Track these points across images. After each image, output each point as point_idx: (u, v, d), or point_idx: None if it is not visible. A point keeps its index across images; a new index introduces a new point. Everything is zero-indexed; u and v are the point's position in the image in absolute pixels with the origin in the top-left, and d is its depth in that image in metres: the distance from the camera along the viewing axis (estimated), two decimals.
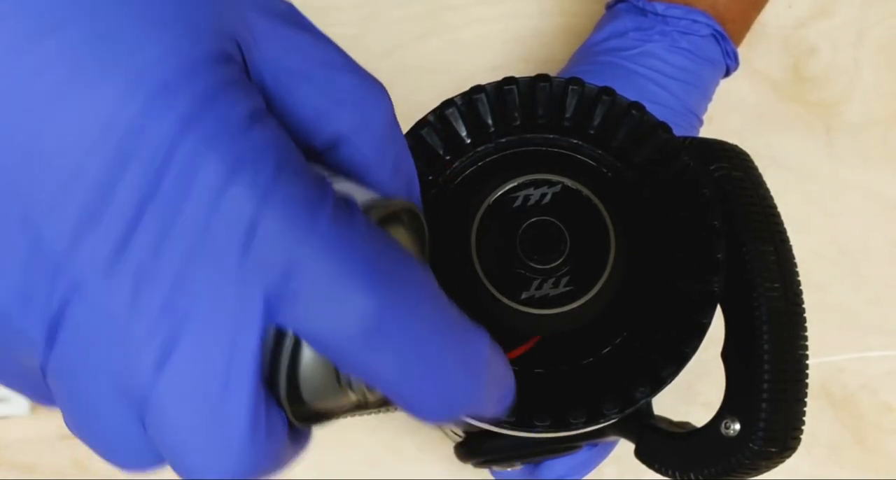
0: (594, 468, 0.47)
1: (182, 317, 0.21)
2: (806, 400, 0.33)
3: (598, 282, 0.31)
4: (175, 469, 0.24)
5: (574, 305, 0.31)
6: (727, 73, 0.53)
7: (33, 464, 0.55)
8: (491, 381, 0.25)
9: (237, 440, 0.23)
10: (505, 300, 0.31)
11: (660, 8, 0.50)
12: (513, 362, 0.32)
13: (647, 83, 0.49)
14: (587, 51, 0.52)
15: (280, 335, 0.23)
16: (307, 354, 0.24)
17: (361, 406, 0.28)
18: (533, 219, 0.31)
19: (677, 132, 0.34)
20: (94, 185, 0.20)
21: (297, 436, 0.27)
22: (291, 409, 0.25)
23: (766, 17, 0.58)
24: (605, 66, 0.50)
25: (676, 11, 0.50)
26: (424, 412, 0.24)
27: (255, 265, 0.21)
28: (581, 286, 0.31)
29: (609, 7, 0.53)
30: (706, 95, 0.52)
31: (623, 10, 0.51)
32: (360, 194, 0.25)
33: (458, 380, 0.24)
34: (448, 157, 0.33)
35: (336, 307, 0.22)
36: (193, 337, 0.22)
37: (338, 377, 0.26)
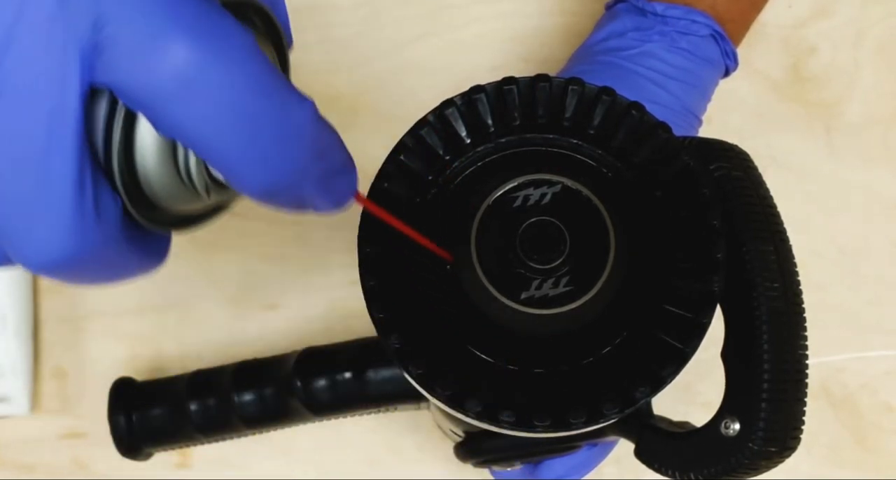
0: (594, 468, 0.47)
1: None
2: (806, 399, 0.33)
3: (598, 282, 0.31)
4: (9, 252, 0.24)
5: (574, 305, 0.31)
6: (726, 74, 0.53)
7: (33, 464, 0.55)
8: (319, 155, 0.26)
9: (61, 209, 0.23)
10: (505, 300, 0.31)
11: (659, 8, 0.50)
12: (512, 361, 0.32)
13: (646, 83, 0.49)
14: (586, 51, 0.52)
15: (111, 116, 0.24)
16: (142, 135, 0.25)
17: (209, 210, 0.29)
18: (533, 219, 0.31)
19: (677, 132, 0.34)
20: None
21: (149, 242, 0.27)
22: (130, 199, 0.25)
23: (766, 16, 0.58)
24: (605, 65, 0.50)
25: (676, 12, 0.50)
26: (246, 178, 0.25)
27: (68, 15, 0.22)
28: (581, 286, 0.31)
29: (608, 7, 0.53)
30: (705, 95, 0.52)
31: (622, 10, 0.51)
32: None
33: (278, 143, 0.24)
34: (448, 157, 0.33)
35: (149, 56, 0.22)
36: (11, 96, 0.22)
37: (176, 163, 0.26)
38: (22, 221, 0.24)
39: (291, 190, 0.26)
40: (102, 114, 0.24)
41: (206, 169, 0.27)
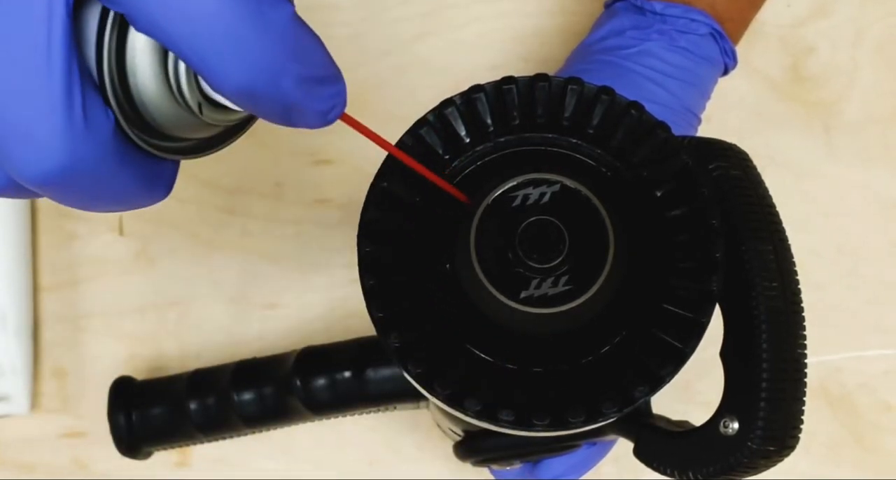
0: (593, 467, 0.47)
1: None
2: (805, 399, 0.33)
3: (597, 282, 0.31)
4: (6, 167, 0.25)
5: (573, 304, 0.31)
6: (725, 72, 0.53)
7: (33, 464, 0.55)
8: (298, 56, 0.26)
9: (51, 118, 0.24)
10: (504, 299, 0.31)
11: (658, 7, 0.50)
12: (511, 360, 0.32)
13: (645, 82, 0.49)
14: (585, 50, 0.52)
15: (102, 28, 0.25)
16: (132, 47, 0.26)
17: (210, 139, 0.29)
18: (532, 219, 0.31)
19: (676, 131, 0.34)
20: None
21: (151, 168, 0.28)
22: (123, 114, 0.26)
23: (765, 16, 0.58)
24: (603, 64, 0.50)
25: (675, 10, 0.50)
26: (221, 74, 0.25)
27: None
28: (580, 285, 0.31)
29: (607, 6, 0.53)
30: (704, 94, 0.52)
31: (621, 9, 0.51)
32: None
33: (253, 37, 0.25)
34: (447, 157, 0.33)
35: None
36: None
37: (167, 79, 0.27)
38: (13, 130, 0.24)
39: (271, 91, 0.26)
40: (94, 27, 0.25)
41: (198, 84, 0.27)
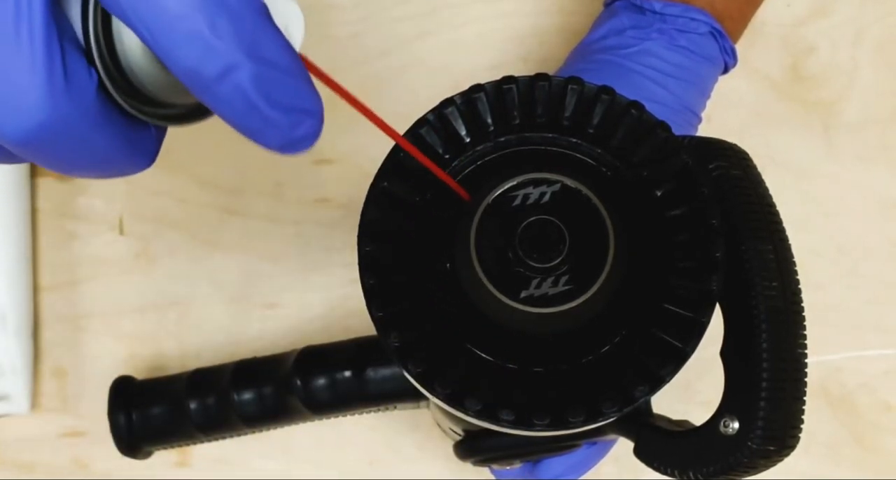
0: (593, 466, 0.47)
1: None
2: (805, 398, 0.33)
3: (597, 281, 0.31)
4: None
5: (573, 304, 0.31)
6: (725, 70, 0.53)
7: (33, 463, 0.55)
8: (257, 51, 0.25)
9: (31, 74, 0.25)
10: (504, 299, 0.31)
11: (657, 6, 0.50)
12: (512, 360, 0.32)
13: (645, 81, 0.49)
14: (585, 49, 0.52)
15: None
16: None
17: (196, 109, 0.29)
18: (532, 218, 0.31)
19: (676, 130, 0.34)
20: None
21: (137, 132, 0.28)
22: (107, 73, 0.26)
23: (765, 15, 0.58)
24: (603, 64, 0.50)
25: (674, 9, 0.50)
26: (169, 50, 0.25)
27: None
28: (580, 285, 0.31)
29: (606, 5, 0.53)
30: (704, 93, 0.52)
31: (620, 8, 0.51)
32: None
33: (205, 19, 0.24)
34: (447, 156, 0.33)
35: None
36: None
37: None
38: None
39: (221, 84, 0.25)
40: None
41: None
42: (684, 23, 0.50)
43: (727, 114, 0.58)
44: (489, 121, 0.33)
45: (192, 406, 0.49)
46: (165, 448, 0.52)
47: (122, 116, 0.27)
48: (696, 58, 0.50)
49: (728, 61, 0.52)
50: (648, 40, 0.50)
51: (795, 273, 0.34)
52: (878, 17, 0.60)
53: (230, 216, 0.58)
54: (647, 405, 0.37)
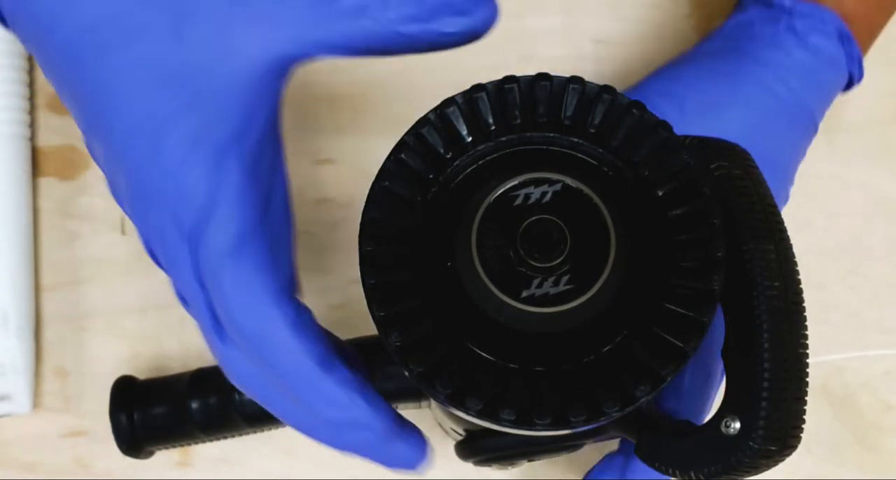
0: None
1: None
2: (806, 398, 0.33)
3: (599, 281, 0.31)
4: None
5: (574, 303, 0.31)
6: (850, 84, 0.51)
7: (34, 463, 0.55)
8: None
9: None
10: (505, 298, 0.31)
11: (787, 2, 0.49)
12: (513, 359, 0.32)
13: (768, 75, 0.48)
14: (711, 41, 0.51)
15: None
16: None
17: None
18: (533, 218, 0.32)
19: (791, 131, 0.33)
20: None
21: None
22: None
23: None
24: (728, 54, 0.49)
25: (804, 7, 0.49)
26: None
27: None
28: (581, 284, 0.31)
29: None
30: (826, 99, 0.50)
31: (749, 3, 0.51)
32: None
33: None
34: (449, 156, 0.33)
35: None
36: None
37: None
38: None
39: None
40: None
41: None
42: (813, 23, 0.49)
43: None
44: (490, 120, 0.33)
45: (194, 405, 0.49)
46: (167, 448, 0.52)
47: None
48: (821, 60, 0.49)
49: (854, 72, 0.51)
50: (777, 35, 0.49)
51: (797, 273, 0.34)
52: None
53: None
54: (649, 404, 0.37)
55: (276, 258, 0.33)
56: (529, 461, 0.45)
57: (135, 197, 0.33)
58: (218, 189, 0.31)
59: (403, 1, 0.32)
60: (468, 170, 0.34)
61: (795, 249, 0.35)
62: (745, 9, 0.52)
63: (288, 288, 0.33)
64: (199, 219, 0.32)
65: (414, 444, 0.36)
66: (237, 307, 0.32)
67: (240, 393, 0.49)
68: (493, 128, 0.33)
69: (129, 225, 0.57)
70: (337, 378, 0.33)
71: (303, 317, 0.33)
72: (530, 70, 0.34)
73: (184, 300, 0.35)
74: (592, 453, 0.47)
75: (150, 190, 0.32)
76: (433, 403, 0.42)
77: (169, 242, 0.32)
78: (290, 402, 0.34)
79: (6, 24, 0.36)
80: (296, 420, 0.35)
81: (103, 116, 0.33)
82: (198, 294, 0.33)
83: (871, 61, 0.55)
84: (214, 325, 0.34)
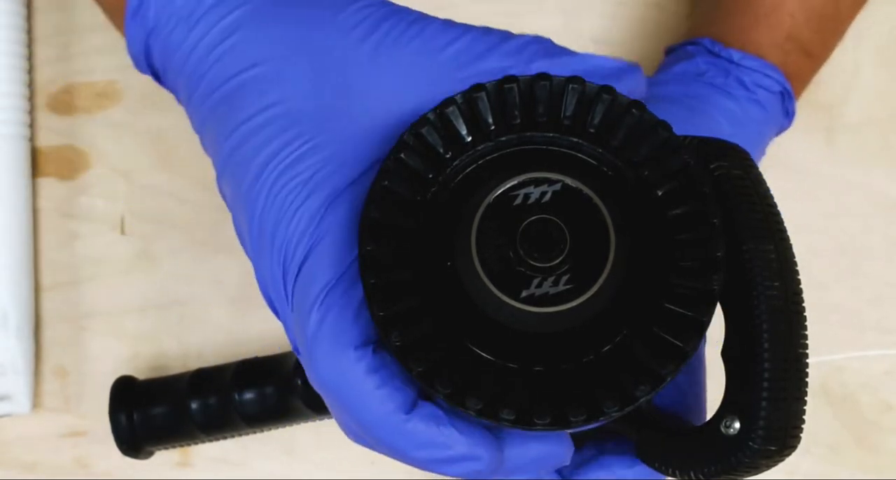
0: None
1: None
2: (806, 398, 0.33)
3: (598, 281, 0.31)
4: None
5: (574, 303, 0.31)
6: (778, 132, 0.52)
7: (34, 463, 0.55)
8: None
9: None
10: (505, 298, 0.31)
11: (735, 56, 0.49)
12: (513, 359, 0.32)
13: (722, 124, 0.48)
14: (657, 86, 0.51)
15: None
16: None
17: None
18: (533, 218, 0.32)
19: None
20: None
21: None
22: None
23: None
24: (678, 102, 0.49)
25: (752, 63, 0.49)
26: None
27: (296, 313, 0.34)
28: (581, 284, 0.31)
29: (671, 51, 0.53)
30: (763, 150, 0.51)
31: (697, 52, 0.51)
32: None
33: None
34: (448, 156, 0.33)
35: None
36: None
37: None
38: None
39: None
40: None
41: None
42: (760, 78, 0.49)
43: None
44: (490, 120, 0.33)
45: (194, 405, 0.49)
46: (167, 448, 0.52)
47: None
48: (767, 114, 0.49)
49: (784, 124, 0.51)
50: (729, 86, 0.49)
51: (797, 273, 0.34)
52: (878, 19, 0.60)
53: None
54: (649, 404, 0.37)
55: (362, 306, 0.33)
56: None
57: (252, 237, 0.35)
58: (325, 235, 0.33)
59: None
60: (468, 170, 0.34)
61: (795, 249, 0.35)
62: (692, 56, 0.51)
63: (370, 335, 0.33)
64: (300, 264, 0.33)
65: (541, 444, 0.34)
66: (317, 357, 0.32)
67: (240, 393, 0.49)
68: (492, 127, 0.33)
69: (129, 225, 0.57)
70: (423, 414, 0.33)
71: (380, 365, 0.33)
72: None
73: (297, 350, 0.35)
74: None
75: (265, 232, 0.34)
76: None
77: (275, 288, 0.34)
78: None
79: (160, 81, 0.39)
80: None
81: (233, 156, 0.34)
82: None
83: (870, 61, 0.55)
84: None
